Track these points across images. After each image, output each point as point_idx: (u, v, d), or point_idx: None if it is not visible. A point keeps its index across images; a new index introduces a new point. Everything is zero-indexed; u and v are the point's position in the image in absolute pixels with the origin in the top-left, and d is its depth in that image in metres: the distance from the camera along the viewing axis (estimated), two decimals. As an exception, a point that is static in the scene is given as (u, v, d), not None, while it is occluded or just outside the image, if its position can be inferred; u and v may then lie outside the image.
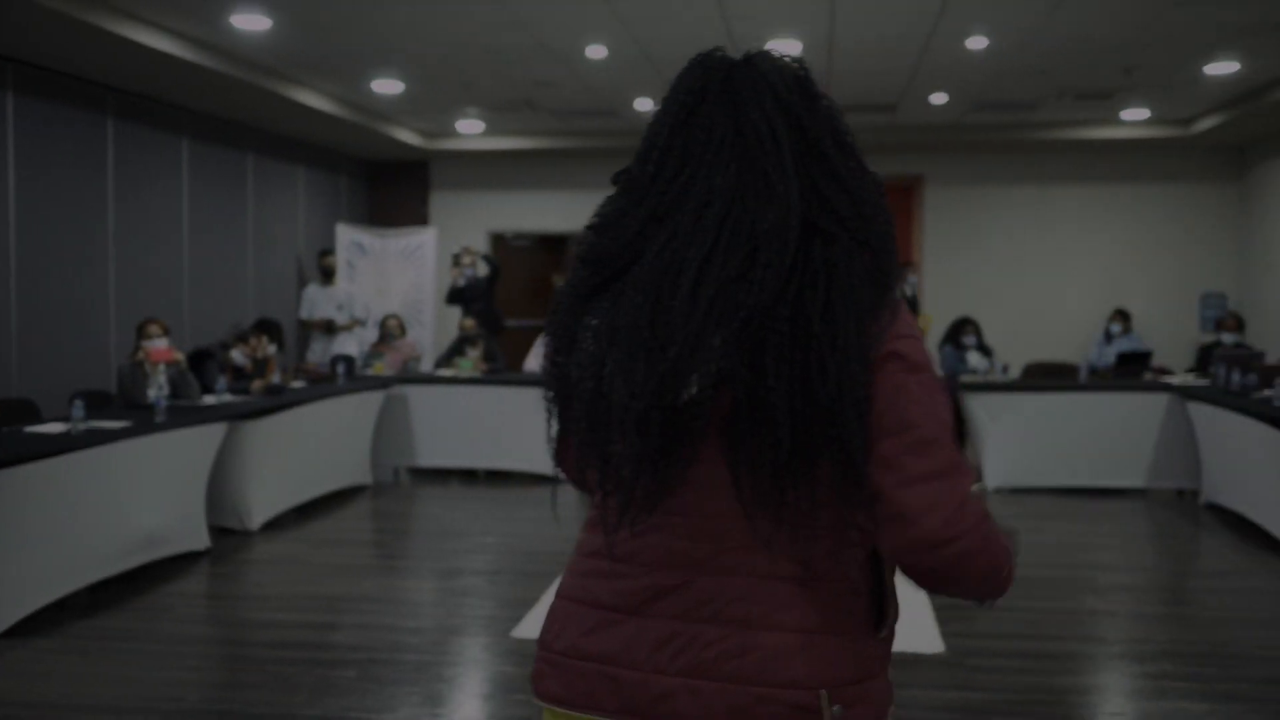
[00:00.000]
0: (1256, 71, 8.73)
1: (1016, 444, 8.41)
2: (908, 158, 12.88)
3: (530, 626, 5.08)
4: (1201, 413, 7.88)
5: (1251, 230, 12.33)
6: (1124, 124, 11.44)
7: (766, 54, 1.48)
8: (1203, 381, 8.51)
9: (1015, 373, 9.61)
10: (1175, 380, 8.64)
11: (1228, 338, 9.34)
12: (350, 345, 10.68)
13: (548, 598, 5.54)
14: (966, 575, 1.33)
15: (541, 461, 8.56)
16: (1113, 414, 8.38)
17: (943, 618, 5.10)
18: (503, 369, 9.55)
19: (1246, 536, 6.94)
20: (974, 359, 9.36)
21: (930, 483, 1.31)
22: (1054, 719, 4.11)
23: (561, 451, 1.57)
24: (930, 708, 4.14)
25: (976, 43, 7.80)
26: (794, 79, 1.45)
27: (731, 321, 1.32)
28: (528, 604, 5.46)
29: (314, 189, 11.98)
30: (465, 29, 7.49)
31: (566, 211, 13.25)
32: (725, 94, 1.43)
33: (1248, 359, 8.14)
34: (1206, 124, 11.03)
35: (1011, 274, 12.85)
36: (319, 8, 6.98)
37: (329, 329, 10.69)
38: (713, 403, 1.34)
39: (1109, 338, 11.20)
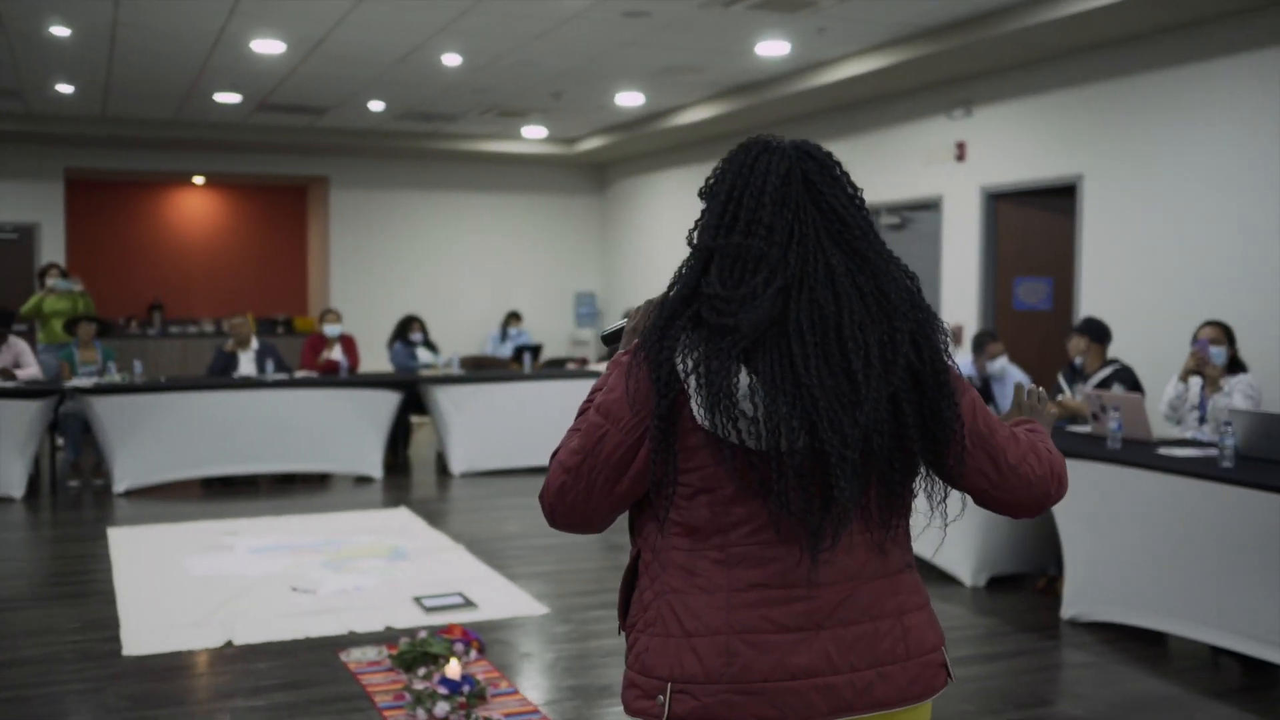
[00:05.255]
0: (654, 103, 10.30)
1: (479, 431, 9.14)
2: (318, 160, 13.13)
3: (133, 644, 4.81)
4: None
5: (610, 237, 14.30)
6: (525, 140, 12.71)
7: (810, 144, 1.75)
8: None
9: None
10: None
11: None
12: None
13: (101, 617, 5.21)
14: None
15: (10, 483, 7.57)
16: (558, 400, 9.38)
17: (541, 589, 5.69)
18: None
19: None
20: (423, 354, 9.93)
21: (1026, 460, 1.78)
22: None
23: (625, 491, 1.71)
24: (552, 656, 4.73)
25: (451, 60, 8.39)
26: (844, 173, 1.73)
27: (891, 375, 1.63)
28: (100, 626, 5.14)
29: None
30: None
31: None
32: (804, 182, 1.69)
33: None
34: (587, 145, 12.64)
35: (419, 276, 13.61)
36: None
37: None
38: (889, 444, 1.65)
39: (505, 335, 12.55)
